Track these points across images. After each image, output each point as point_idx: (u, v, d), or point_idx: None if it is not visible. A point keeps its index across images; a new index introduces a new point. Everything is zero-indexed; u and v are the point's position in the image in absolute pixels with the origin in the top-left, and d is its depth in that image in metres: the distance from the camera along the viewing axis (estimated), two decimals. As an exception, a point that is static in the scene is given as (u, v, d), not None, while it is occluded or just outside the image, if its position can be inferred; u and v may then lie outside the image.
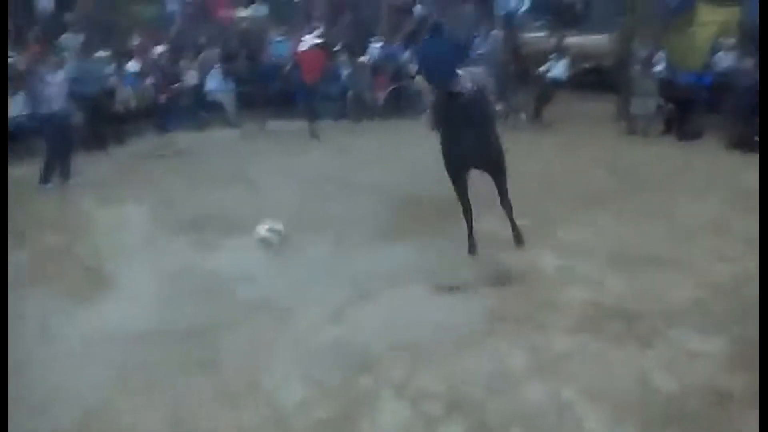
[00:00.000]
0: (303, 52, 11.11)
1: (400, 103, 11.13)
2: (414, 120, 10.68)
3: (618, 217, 6.68)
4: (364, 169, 8.21)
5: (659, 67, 10.49)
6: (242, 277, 5.49)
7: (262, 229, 6.08)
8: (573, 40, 12.01)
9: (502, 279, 5.44)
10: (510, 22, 11.90)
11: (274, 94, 10.91)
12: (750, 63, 9.97)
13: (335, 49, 11.51)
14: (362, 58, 11.35)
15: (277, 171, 8.10)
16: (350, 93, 10.92)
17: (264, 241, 6.04)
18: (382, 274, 5.47)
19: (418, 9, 14.42)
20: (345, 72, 11.21)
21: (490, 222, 6.50)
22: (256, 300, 5.15)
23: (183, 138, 9.81)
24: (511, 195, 6.16)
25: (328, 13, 13.38)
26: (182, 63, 10.96)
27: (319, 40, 11.23)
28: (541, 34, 12.17)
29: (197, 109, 10.51)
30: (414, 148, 9.09)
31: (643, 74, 10.24)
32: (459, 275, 5.49)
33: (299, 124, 10.38)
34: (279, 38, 11.75)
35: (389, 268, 5.56)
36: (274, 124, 10.28)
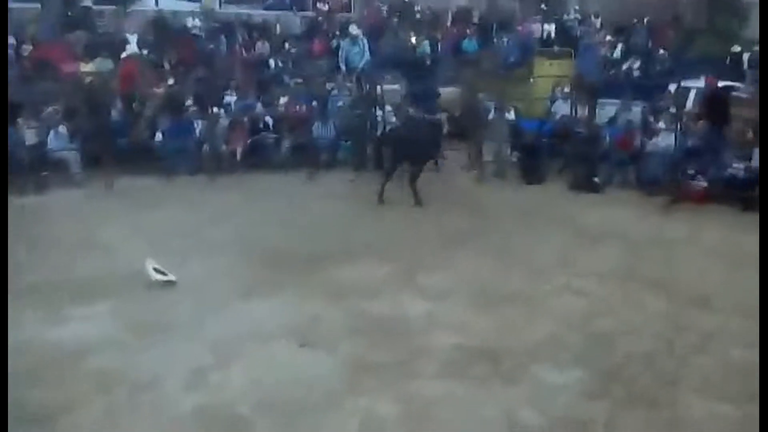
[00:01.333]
0: (124, 59, 11.41)
1: (258, 157, 11.03)
2: (273, 173, 10.69)
3: (475, 258, 6.95)
4: (223, 224, 8.01)
5: (510, 115, 11.18)
6: (92, 348, 5.09)
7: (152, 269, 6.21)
8: (425, 91, 12.54)
9: (368, 328, 5.43)
10: (366, 76, 12.20)
11: (122, 149, 10.44)
12: (583, 111, 10.91)
13: (187, 103, 11.27)
14: (216, 111, 11.20)
15: (128, 230, 7.68)
16: (205, 147, 10.69)
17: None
18: (245, 332, 5.29)
19: (271, 62, 14.55)
20: (198, 125, 10.97)
21: (353, 270, 6.54)
22: (109, 372, 4.78)
23: (23, 200, 9.09)
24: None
25: (178, 66, 13.12)
26: (20, 120, 10.24)
27: (135, 51, 11.39)
28: (395, 86, 12.59)
29: (38, 169, 9.81)
30: (274, 202, 9.05)
31: (497, 122, 10.84)
32: (324, 327, 5.43)
33: (150, 180, 9.98)
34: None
35: (252, 326, 5.40)
36: (124, 181, 9.80)
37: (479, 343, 5.19)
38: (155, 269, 6.25)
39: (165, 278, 6.21)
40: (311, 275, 6.44)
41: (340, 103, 11.99)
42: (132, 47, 12.78)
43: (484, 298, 6.01)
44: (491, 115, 11.19)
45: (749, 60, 13.25)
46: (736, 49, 12.61)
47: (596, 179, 9.92)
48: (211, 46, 14.40)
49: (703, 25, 16.04)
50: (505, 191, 9.85)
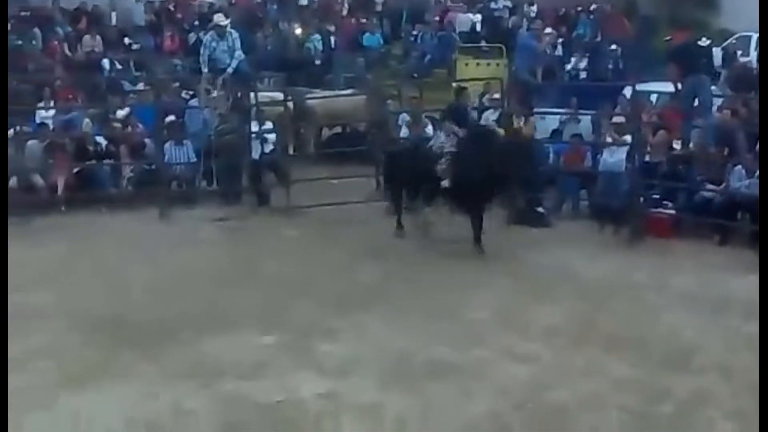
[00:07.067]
0: None
1: (88, 191, 10.80)
2: (110, 213, 10.45)
3: (392, 319, 7.02)
4: (41, 286, 7.77)
5: (428, 130, 11.43)
6: None
7: None
8: (315, 100, 12.70)
9: (250, 419, 5.38)
10: (237, 80, 12.06)
11: None
12: (518, 123, 11.30)
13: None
14: (25, 130, 10.95)
15: None
16: (14, 180, 10.40)
17: None
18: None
19: (105, 63, 14.41)
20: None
21: (225, 343, 6.49)
22: None
23: None
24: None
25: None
26: None
27: None
28: (277, 93, 12.64)
29: None
30: (112, 252, 8.85)
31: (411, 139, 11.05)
32: (191, 423, 5.33)
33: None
34: None
35: (87, 428, 5.23)
36: None
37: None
38: None
39: None
40: (168, 352, 6.33)
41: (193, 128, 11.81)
42: None
43: (404, 370, 6.07)
44: (403, 131, 11.45)
45: (723, 56, 14.28)
46: (704, 42, 13.43)
47: (541, 209, 10.26)
48: (19, 42, 14.13)
49: (663, 14, 17.20)
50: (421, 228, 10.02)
